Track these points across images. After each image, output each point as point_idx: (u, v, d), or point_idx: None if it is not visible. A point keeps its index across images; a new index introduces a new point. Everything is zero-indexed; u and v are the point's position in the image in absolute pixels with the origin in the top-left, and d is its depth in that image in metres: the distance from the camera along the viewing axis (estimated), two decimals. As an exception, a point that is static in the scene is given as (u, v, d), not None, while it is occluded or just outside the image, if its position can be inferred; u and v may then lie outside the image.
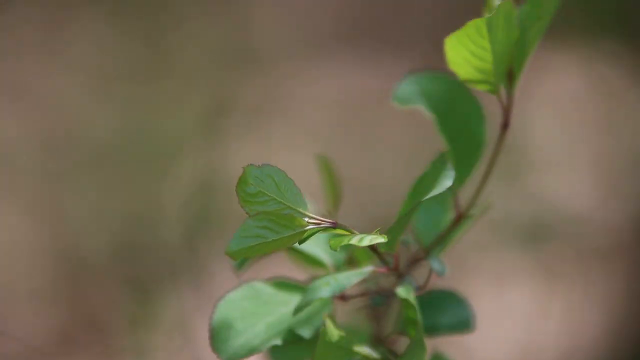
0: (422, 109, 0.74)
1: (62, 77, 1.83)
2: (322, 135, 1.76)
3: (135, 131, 1.72)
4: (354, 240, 0.62)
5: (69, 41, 1.88)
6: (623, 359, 1.51)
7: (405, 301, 0.69)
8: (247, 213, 0.61)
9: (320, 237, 0.78)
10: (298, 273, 0.81)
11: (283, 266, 0.85)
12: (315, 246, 0.77)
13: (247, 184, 0.61)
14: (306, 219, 0.63)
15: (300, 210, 0.63)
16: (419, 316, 0.68)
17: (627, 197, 1.64)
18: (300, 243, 0.63)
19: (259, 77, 1.84)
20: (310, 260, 0.78)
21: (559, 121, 1.75)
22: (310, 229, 0.63)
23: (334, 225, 0.64)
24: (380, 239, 0.62)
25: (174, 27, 1.90)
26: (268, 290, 0.72)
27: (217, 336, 0.69)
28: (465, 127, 0.73)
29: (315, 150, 1.70)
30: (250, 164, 0.61)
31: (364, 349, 0.68)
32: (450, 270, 1.56)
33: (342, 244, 0.62)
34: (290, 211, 0.62)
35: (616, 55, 1.80)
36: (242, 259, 0.78)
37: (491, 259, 1.59)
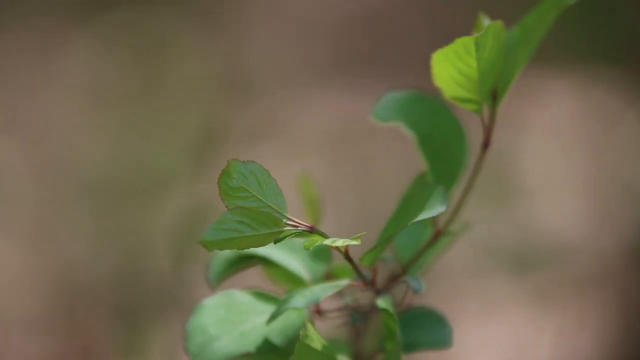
0: (402, 127, 0.74)
1: (54, 104, 1.84)
2: (317, 162, 1.76)
3: (128, 159, 1.73)
4: (328, 241, 0.63)
5: (61, 67, 1.89)
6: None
7: (384, 311, 0.69)
8: (226, 206, 0.62)
9: (300, 251, 0.78)
10: (276, 288, 0.81)
11: (260, 282, 0.85)
12: (294, 261, 0.77)
13: (230, 178, 0.62)
14: (284, 220, 0.63)
15: (280, 210, 0.63)
16: (397, 328, 0.68)
17: (620, 223, 1.64)
18: (275, 242, 0.63)
19: (253, 104, 1.85)
20: (289, 276, 0.78)
21: (553, 146, 1.76)
22: (287, 230, 0.63)
23: (311, 230, 0.64)
24: (353, 242, 0.63)
25: (168, 54, 1.92)
26: (245, 299, 0.72)
27: (191, 340, 0.69)
28: (445, 147, 0.74)
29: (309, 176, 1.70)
30: (235, 159, 0.62)
31: (342, 357, 0.69)
32: (441, 295, 1.56)
33: (316, 244, 0.63)
34: (269, 210, 0.63)
35: (611, 81, 1.82)
36: (219, 274, 0.78)
37: (483, 285, 1.59)
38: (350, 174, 1.75)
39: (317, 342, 0.66)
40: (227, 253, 0.78)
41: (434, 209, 0.64)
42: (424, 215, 0.64)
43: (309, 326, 0.67)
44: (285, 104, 1.86)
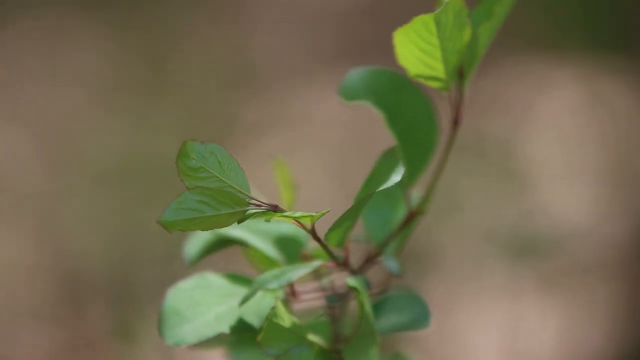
0: (369, 105, 0.74)
1: (61, 95, 1.85)
2: (323, 151, 1.76)
3: (135, 149, 1.74)
4: (287, 214, 0.63)
5: (68, 58, 1.90)
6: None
7: (354, 290, 0.69)
8: (186, 187, 0.62)
9: (274, 235, 0.78)
10: (253, 271, 0.82)
11: (238, 265, 0.85)
12: (269, 244, 0.78)
13: (188, 158, 0.62)
14: (247, 200, 0.63)
15: (242, 190, 0.63)
16: (367, 304, 0.68)
17: (627, 211, 1.63)
18: (239, 222, 0.63)
19: (260, 94, 1.85)
20: (264, 258, 0.78)
21: (559, 136, 1.75)
22: (250, 209, 0.63)
23: (275, 209, 0.64)
24: (314, 214, 0.63)
25: (175, 44, 1.92)
26: (219, 281, 0.72)
27: (165, 322, 0.69)
28: (415, 124, 0.73)
29: (316, 166, 1.70)
30: (193, 139, 0.62)
31: (313, 337, 0.69)
32: (444, 282, 1.55)
33: (275, 217, 0.63)
34: (231, 190, 0.63)
35: (615, 71, 1.81)
36: (196, 255, 0.79)
37: (488, 273, 1.58)
38: (358, 161, 1.75)
39: (286, 320, 0.67)
40: (204, 234, 0.78)
41: (391, 181, 0.64)
42: (382, 187, 0.64)
43: (279, 304, 0.67)
44: (293, 93, 1.86)
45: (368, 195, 0.63)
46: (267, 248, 0.77)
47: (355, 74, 0.75)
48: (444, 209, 1.60)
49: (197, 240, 0.78)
